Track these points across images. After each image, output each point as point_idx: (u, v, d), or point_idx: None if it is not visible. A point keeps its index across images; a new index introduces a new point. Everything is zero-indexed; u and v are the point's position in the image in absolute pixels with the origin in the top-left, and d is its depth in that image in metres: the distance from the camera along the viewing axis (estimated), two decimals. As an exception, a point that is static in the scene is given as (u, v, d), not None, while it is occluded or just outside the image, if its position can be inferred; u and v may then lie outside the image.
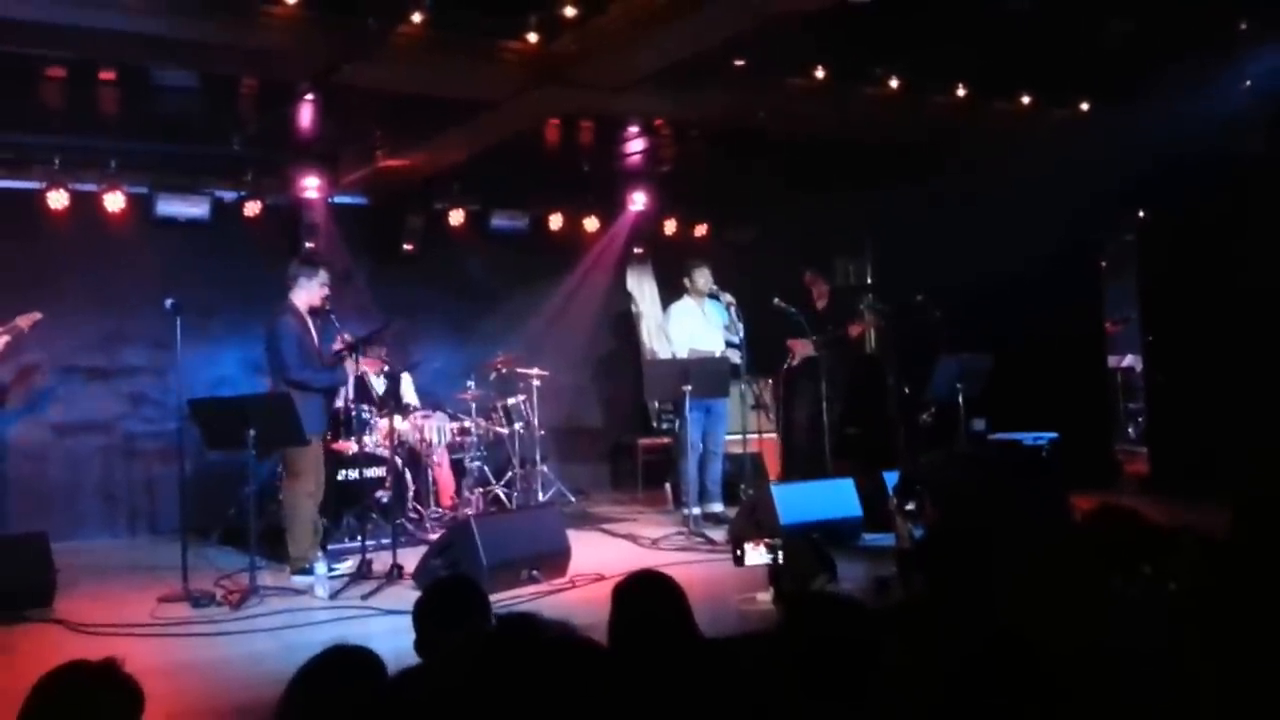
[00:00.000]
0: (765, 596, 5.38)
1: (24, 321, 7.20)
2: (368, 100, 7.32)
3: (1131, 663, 2.32)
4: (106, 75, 6.93)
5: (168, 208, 8.60)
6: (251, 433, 6.06)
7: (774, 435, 9.48)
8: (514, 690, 1.25)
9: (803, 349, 8.75)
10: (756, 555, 6.54)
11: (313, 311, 6.81)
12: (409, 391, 8.87)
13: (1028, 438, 7.84)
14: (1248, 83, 7.74)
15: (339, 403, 7.74)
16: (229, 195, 8.85)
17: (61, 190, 8.14)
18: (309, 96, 7.20)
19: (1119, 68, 7.56)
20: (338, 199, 9.37)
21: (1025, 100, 8.25)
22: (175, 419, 7.00)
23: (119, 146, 8.25)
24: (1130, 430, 11.77)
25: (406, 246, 9.62)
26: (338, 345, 6.84)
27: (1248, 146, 8.00)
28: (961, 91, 7.91)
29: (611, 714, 1.32)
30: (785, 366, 8.64)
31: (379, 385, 8.42)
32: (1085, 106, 8.51)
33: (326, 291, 6.81)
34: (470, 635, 2.91)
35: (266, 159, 8.73)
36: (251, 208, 8.80)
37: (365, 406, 8.03)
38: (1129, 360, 11.74)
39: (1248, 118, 7.82)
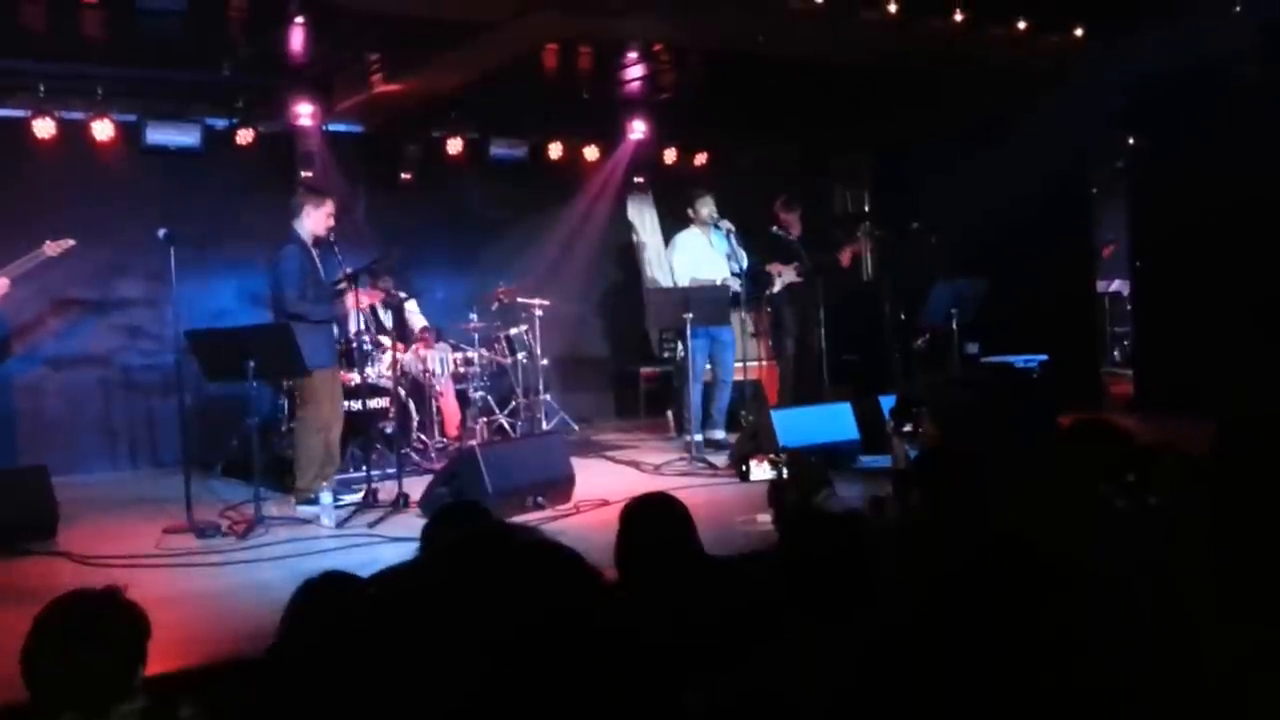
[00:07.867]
0: (766, 518, 5.42)
1: (52, 248, 6.90)
2: (361, 23, 7.18)
3: (1120, 569, 2.37)
4: (90, -3, 6.79)
5: (158, 136, 8.41)
6: (251, 364, 6.05)
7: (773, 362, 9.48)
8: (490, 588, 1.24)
9: (785, 273, 8.70)
10: (761, 471, 6.66)
11: (316, 242, 6.74)
12: (415, 315, 8.82)
13: (1019, 360, 7.95)
14: (1238, 8, 7.66)
15: (351, 328, 7.72)
16: (220, 123, 8.66)
17: (48, 118, 7.95)
18: (300, 19, 7.05)
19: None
20: (333, 127, 9.19)
21: (1021, 26, 8.16)
22: (173, 351, 6.96)
23: (106, 72, 8.04)
24: (1115, 353, 11.89)
25: (404, 176, 9.52)
26: (340, 279, 6.81)
27: (1239, 72, 7.94)
28: (958, 16, 7.82)
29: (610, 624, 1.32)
30: (767, 292, 8.54)
31: (386, 317, 8.40)
32: (1079, 32, 8.43)
33: (331, 222, 6.74)
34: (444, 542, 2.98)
35: (258, 85, 8.52)
36: (244, 136, 8.61)
37: (370, 338, 7.98)
38: (1116, 285, 11.81)
39: (1239, 43, 7.75)
